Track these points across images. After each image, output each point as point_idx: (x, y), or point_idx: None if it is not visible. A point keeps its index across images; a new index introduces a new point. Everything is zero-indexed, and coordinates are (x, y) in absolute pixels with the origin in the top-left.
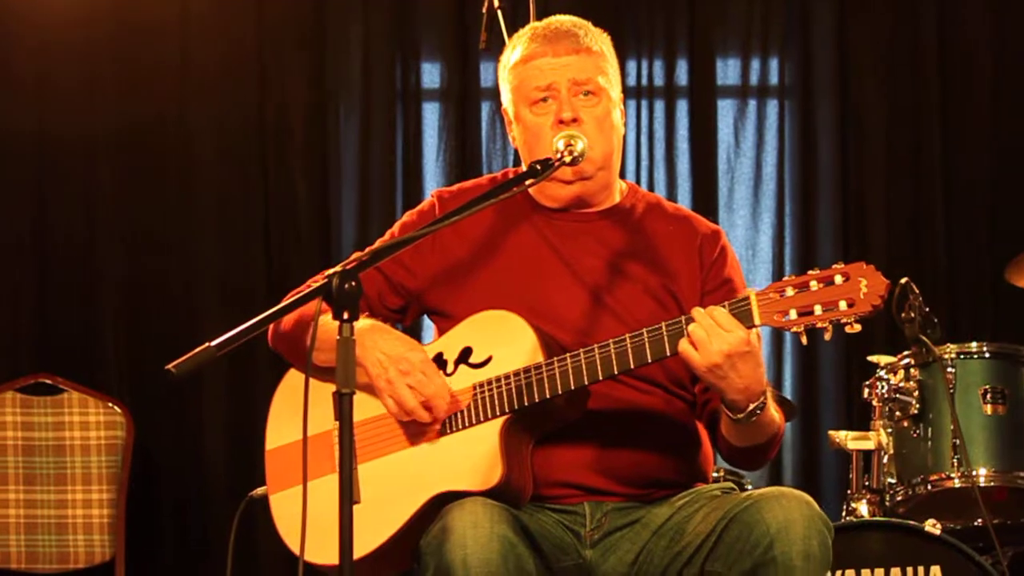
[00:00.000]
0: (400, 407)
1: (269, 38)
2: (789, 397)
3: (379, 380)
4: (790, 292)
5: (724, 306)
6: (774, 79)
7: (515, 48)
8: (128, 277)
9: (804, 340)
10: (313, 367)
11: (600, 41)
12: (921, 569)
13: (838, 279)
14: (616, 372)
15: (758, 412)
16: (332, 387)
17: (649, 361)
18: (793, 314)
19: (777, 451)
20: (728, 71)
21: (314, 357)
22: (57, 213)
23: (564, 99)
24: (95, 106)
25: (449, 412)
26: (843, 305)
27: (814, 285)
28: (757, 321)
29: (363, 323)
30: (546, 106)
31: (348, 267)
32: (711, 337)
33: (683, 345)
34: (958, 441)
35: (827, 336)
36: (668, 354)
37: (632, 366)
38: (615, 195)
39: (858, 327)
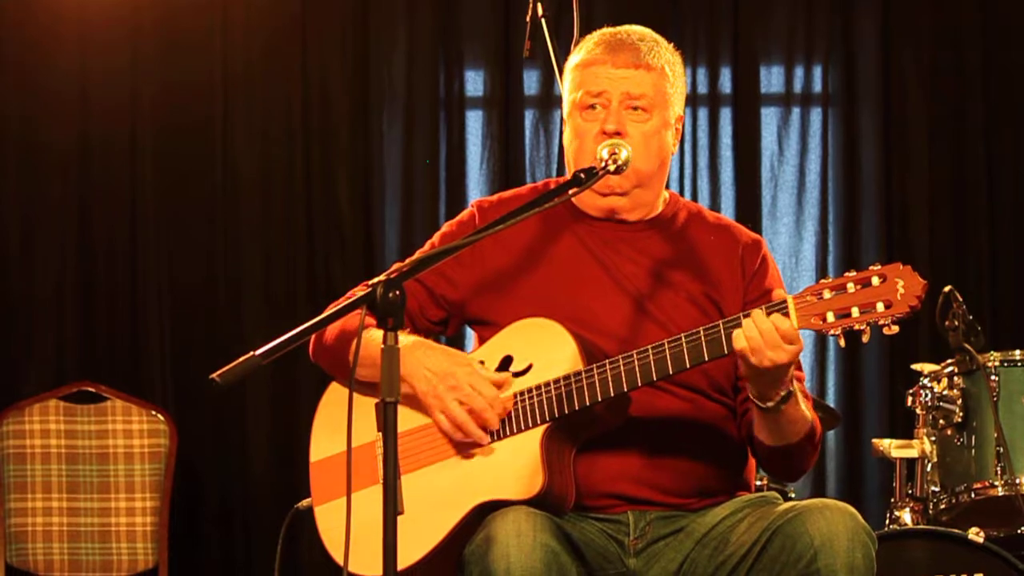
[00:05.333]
0: (452, 423)
1: (313, 45)
2: (833, 405)
3: (428, 397)
4: (827, 295)
5: (764, 309)
6: (818, 87)
7: (581, 49)
8: (171, 285)
9: (842, 343)
10: (355, 381)
11: (664, 59)
12: None
13: (875, 281)
14: (655, 379)
15: (785, 402)
16: (374, 400)
17: (688, 367)
18: (830, 317)
19: (815, 459)
20: (772, 79)
21: (356, 372)
22: (100, 221)
23: (613, 110)
24: (137, 114)
25: (500, 419)
26: (880, 307)
27: (851, 287)
28: (795, 324)
29: (406, 339)
30: (594, 113)
31: (391, 276)
32: (769, 346)
33: (739, 343)
34: (1001, 449)
35: (865, 338)
36: (706, 359)
37: (671, 372)
38: (657, 206)
39: (896, 328)
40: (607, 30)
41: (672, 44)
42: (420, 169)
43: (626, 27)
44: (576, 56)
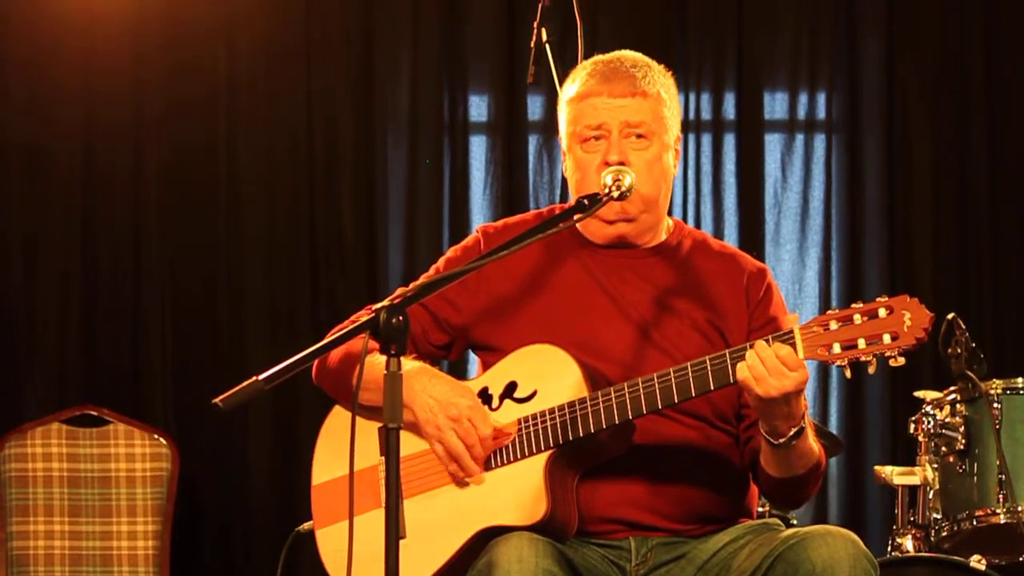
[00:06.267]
0: (448, 453)
1: (317, 68)
2: (835, 432)
3: (427, 425)
4: (834, 326)
5: (769, 340)
6: (821, 113)
7: (575, 81)
8: (174, 307)
9: (848, 373)
10: (359, 405)
11: (659, 83)
12: None
13: (882, 312)
14: (660, 407)
15: (797, 438)
16: (377, 424)
17: (693, 395)
18: (837, 348)
19: (819, 488)
20: (775, 105)
21: (359, 396)
22: (103, 242)
23: (614, 140)
24: (142, 134)
25: (493, 449)
26: (887, 338)
27: (858, 318)
28: (801, 355)
29: (411, 365)
30: (596, 145)
31: (395, 302)
32: (772, 374)
33: (742, 373)
34: (1004, 476)
35: (871, 369)
36: (712, 388)
37: (676, 401)
38: (661, 233)
39: (902, 360)
40: (599, 58)
41: (663, 66)
42: (424, 192)
43: (617, 54)
44: (571, 88)
